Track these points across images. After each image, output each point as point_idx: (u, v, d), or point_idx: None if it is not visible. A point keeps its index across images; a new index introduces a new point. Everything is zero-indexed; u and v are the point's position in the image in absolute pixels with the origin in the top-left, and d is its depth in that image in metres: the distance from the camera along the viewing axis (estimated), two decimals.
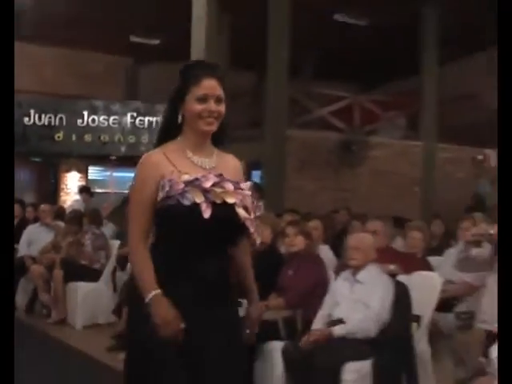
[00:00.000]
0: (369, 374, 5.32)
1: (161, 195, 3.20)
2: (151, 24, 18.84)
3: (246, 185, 3.41)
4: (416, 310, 5.73)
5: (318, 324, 5.84)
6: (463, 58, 18.64)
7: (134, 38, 20.88)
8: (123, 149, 20.35)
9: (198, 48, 12.92)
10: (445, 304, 6.57)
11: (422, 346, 5.77)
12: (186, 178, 3.19)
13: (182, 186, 3.15)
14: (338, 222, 11.65)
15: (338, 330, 5.45)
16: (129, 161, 19.53)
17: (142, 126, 20.40)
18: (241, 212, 3.26)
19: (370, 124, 18.43)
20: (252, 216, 3.33)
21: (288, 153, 14.79)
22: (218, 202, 3.19)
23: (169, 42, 19.33)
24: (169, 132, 3.43)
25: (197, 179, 3.19)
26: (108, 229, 11.91)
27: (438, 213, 12.02)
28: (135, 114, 20.47)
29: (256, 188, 6.30)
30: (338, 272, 6.43)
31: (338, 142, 17.04)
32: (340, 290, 5.78)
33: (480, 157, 7.80)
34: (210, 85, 3.31)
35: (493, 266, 5.72)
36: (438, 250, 8.34)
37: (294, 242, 6.68)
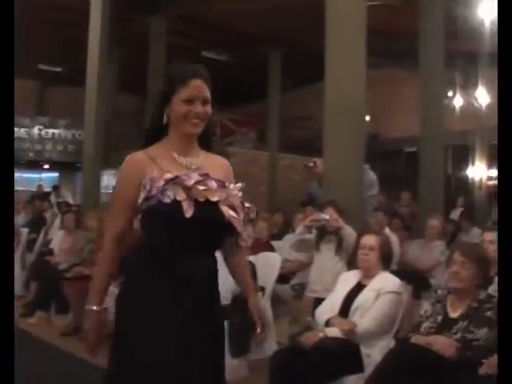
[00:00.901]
0: (225, 332, 5.38)
1: (142, 195, 2.55)
2: (55, 55, 18.58)
3: (236, 186, 2.77)
4: (261, 282, 5.82)
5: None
6: (301, 88, 19.07)
7: (41, 66, 20.61)
8: (31, 154, 19.84)
9: (92, 75, 12.69)
10: (283, 278, 6.74)
11: (266, 310, 5.85)
12: (168, 175, 2.54)
13: (162, 183, 2.51)
14: None
15: None
16: (35, 164, 19.45)
17: (46, 137, 20.11)
18: (225, 210, 2.60)
19: (228, 137, 18.63)
20: (240, 216, 2.68)
21: None
22: (201, 199, 2.53)
23: (69, 70, 19.29)
24: (154, 133, 2.75)
25: (178, 177, 2.54)
26: (20, 219, 11.60)
27: (280, 207, 12.25)
28: (42, 127, 20.18)
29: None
30: None
31: None
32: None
33: (311, 164, 7.99)
34: (197, 85, 2.66)
35: (318, 247, 5.97)
36: (279, 236, 8.54)
37: None
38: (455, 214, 12.01)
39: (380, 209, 8.15)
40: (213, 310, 2.66)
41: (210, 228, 2.58)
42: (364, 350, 4.16)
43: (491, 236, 4.90)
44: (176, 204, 2.48)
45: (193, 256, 2.57)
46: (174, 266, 2.55)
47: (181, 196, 2.50)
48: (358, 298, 4.36)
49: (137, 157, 2.67)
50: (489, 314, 3.73)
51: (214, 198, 2.57)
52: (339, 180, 6.65)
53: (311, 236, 6.00)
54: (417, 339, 3.78)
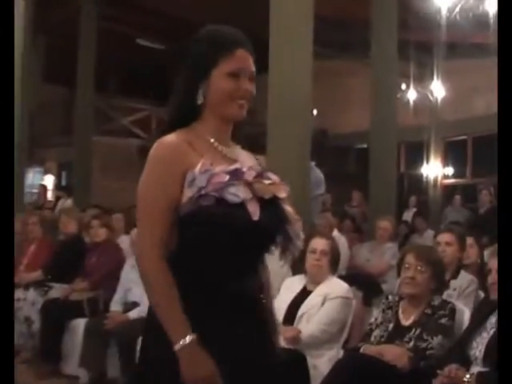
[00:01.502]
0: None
1: (189, 193, 2.07)
2: None
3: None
4: None
5: (114, 305, 5.88)
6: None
7: None
8: None
9: (15, 63, 12.43)
10: None
11: None
12: (224, 168, 2.11)
13: (226, 178, 2.07)
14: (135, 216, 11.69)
15: (132, 314, 5.53)
16: None
17: None
18: (289, 211, 2.25)
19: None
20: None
21: (94, 156, 14.97)
22: (267, 197, 2.16)
23: None
24: (182, 117, 2.28)
25: (238, 169, 2.13)
26: None
27: None
28: None
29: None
30: None
31: (138, 147, 17.01)
32: (130, 276, 5.80)
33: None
34: (243, 56, 2.25)
35: None
36: None
37: (98, 233, 6.61)
38: (408, 215, 12.21)
39: (328, 209, 8.23)
40: (267, 332, 2.29)
41: (270, 234, 2.22)
42: (311, 360, 4.18)
43: (447, 238, 4.98)
44: (239, 205, 2.07)
45: (248, 269, 2.19)
46: (227, 281, 2.11)
47: (246, 193, 2.09)
48: (304, 304, 4.38)
49: (174, 141, 2.18)
50: (443, 321, 3.79)
51: (282, 194, 2.23)
52: (284, 178, 6.63)
53: None
54: (367, 349, 3.82)
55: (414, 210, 12.69)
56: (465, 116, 14.98)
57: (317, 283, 4.49)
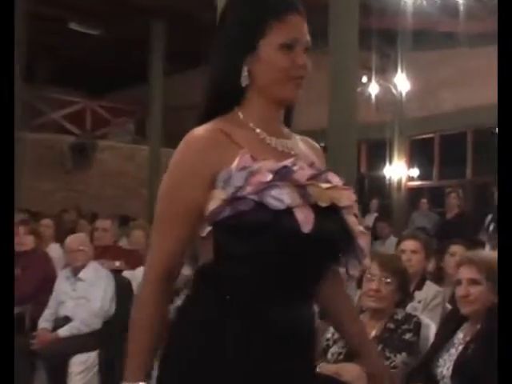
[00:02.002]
0: (95, 364, 5.31)
1: (222, 195, 1.80)
2: None
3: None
4: None
5: (44, 322, 5.75)
6: (187, 71, 19.01)
7: None
8: None
9: None
10: None
11: None
12: (269, 165, 1.84)
13: (269, 177, 1.79)
14: (68, 221, 11.62)
15: (63, 332, 5.43)
16: None
17: None
18: (353, 222, 1.96)
19: (101, 128, 18.39)
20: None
21: (22, 154, 14.66)
22: (323, 205, 1.86)
23: None
24: (222, 102, 2.00)
25: (285, 167, 1.84)
26: None
27: None
28: None
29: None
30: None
31: (71, 144, 16.84)
32: (63, 288, 5.73)
33: None
34: (299, 24, 1.97)
35: None
36: None
37: (24, 242, 6.50)
38: (369, 220, 12.29)
39: None
40: (312, 371, 2.09)
41: (326, 251, 1.94)
42: None
43: (412, 245, 5.02)
44: (286, 212, 1.79)
45: (297, 294, 1.93)
46: (262, 314, 1.87)
47: (294, 198, 1.80)
48: None
49: (207, 133, 1.92)
50: (407, 336, 3.80)
51: (343, 203, 1.93)
52: None
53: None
54: (323, 367, 3.81)
55: (376, 214, 12.78)
56: (432, 112, 15.14)
57: None
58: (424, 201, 13.34)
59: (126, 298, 5.50)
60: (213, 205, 1.81)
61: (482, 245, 7.50)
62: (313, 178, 1.88)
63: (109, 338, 5.34)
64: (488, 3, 7.93)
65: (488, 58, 14.70)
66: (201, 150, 1.88)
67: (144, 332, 1.89)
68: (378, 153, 16.89)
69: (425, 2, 10.66)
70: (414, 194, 16.09)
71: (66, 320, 5.56)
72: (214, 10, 7.09)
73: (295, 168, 1.85)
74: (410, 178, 16.81)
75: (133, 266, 6.36)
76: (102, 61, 18.62)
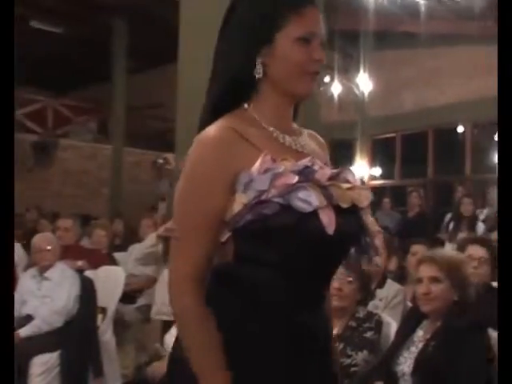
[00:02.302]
0: (56, 365, 5.27)
1: (243, 199, 1.74)
2: None
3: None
4: (102, 302, 5.74)
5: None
6: (150, 70, 18.95)
7: None
8: None
9: None
10: (128, 296, 6.70)
11: (107, 336, 5.78)
12: (291, 166, 1.78)
13: (295, 178, 1.73)
14: (29, 220, 11.55)
15: (24, 332, 5.35)
16: None
17: None
18: (371, 222, 1.93)
19: (63, 127, 18.25)
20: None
21: None
22: (345, 206, 1.81)
23: None
24: (232, 97, 1.92)
25: (307, 167, 1.78)
26: None
27: (121, 212, 12.20)
28: None
29: None
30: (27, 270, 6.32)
31: (32, 142, 16.68)
32: (27, 287, 5.68)
33: (161, 160, 8.07)
34: (316, 17, 1.91)
35: (167, 260, 5.99)
36: (124, 247, 8.49)
37: None
38: None
39: None
40: (332, 370, 2.01)
41: (343, 251, 1.93)
42: None
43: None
44: (311, 214, 1.73)
45: (316, 298, 1.90)
46: (289, 318, 1.83)
47: (320, 200, 1.74)
48: None
49: (220, 134, 1.82)
50: (369, 334, 3.83)
51: (363, 203, 1.89)
52: None
53: (159, 247, 6.02)
54: None
55: None
56: (394, 112, 15.25)
57: None
58: (386, 200, 13.41)
59: (88, 298, 5.48)
60: (234, 210, 1.75)
61: (442, 243, 7.58)
62: (332, 178, 1.83)
63: (70, 339, 5.30)
64: (449, 4, 8.01)
65: (449, 58, 14.88)
66: (217, 152, 1.79)
67: (204, 344, 1.79)
68: (341, 152, 16.93)
69: (386, 2, 10.72)
70: (377, 193, 16.10)
71: (28, 319, 5.47)
72: (176, 9, 7.06)
73: (316, 167, 1.80)
74: (373, 177, 16.88)
75: (95, 266, 6.33)
76: (65, 59, 18.48)
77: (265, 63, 1.88)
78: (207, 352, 1.78)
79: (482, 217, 8.94)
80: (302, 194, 1.71)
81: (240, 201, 1.74)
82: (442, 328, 3.47)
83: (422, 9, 7.96)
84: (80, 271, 5.98)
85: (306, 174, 1.76)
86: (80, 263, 6.42)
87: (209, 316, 1.79)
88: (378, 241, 1.96)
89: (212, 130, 1.83)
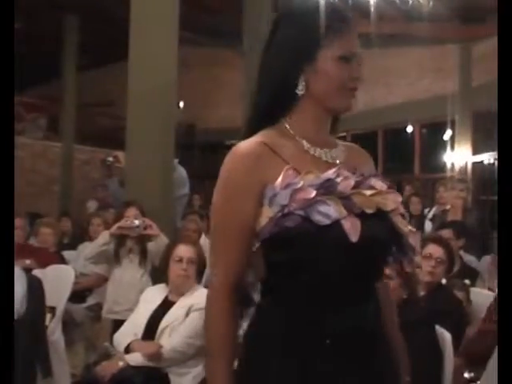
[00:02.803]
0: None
1: (269, 213, 1.82)
2: None
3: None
4: (51, 301, 5.68)
5: None
6: (101, 67, 18.82)
7: None
8: None
9: None
10: (78, 295, 6.64)
11: (56, 336, 5.72)
12: (312, 179, 1.84)
13: (313, 193, 1.80)
14: None
15: None
16: None
17: None
18: (401, 223, 1.95)
19: (17, 124, 18.02)
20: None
21: None
22: (370, 211, 1.86)
23: None
24: (273, 112, 2.01)
25: (328, 180, 1.84)
26: None
27: (70, 211, 12.15)
28: None
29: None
30: None
31: None
32: None
33: (110, 158, 8.02)
34: (354, 36, 2.01)
35: (119, 259, 5.97)
36: (73, 245, 8.42)
37: None
38: None
39: (196, 212, 8.25)
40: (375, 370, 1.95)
41: (375, 255, 1.94)
42: (174, 379, 4.17)
43: None
44: (333, 224, 1.79)
45: (352, 302, 1.90)
46: (324, 319, 1.86)
47: (339, 211, 1.80)
48: (166, 316, 4.37)
49: (252, 148, 1.92)
50: None
51: (389, 207, 1.92)
52: (144, 177, 6.64)
53: (111, 245, 5.97)
54: None
55: None
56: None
57: (181, 294, 4.48)
58: None
59: (36, 297, 5.42)
60: (261, 222, 1.84)
61: None
62: (356, 186, 1.88)
63: (17, 339, 5.22)
64: (399, 5, 8.09)
65: (398, 59, 15.02)
66: (246, 165, 1.88)
67: (225, 347, 1.93)
68: None
69: (336, 3, 10.81)
70: None
71: None
72: (127, 6, 7.01)
73: (339, 180, 1.85)
74: None
75: (43, 265, 6.25)
76: (16, 55, 18.25)
77: (307, 80, 1.96)
78: (219, 359, 1.92)
79: (429, 215, 9.04)
80: (320, 208, 1.78)
81: (266, 214, 1.83)
82: None
83: (372, 9, 8.01)
84: (28, 270, 5.90)
85: (327, 187, 1.82)
86: (28, 262, 6.33)
87: (232, 322, 1.94)
88: (414, 241, 1.99)
89: (244, 144, 1.93)
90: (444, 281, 4.98)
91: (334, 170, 1.88)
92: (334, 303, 1.86)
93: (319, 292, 1.84)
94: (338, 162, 1.99)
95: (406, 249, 1.98)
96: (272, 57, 2.04)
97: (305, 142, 1.98)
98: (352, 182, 1.87)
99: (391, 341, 2.09)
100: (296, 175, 1.85)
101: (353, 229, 1.79)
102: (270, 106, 2.00)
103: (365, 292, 1.95)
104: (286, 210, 1.79)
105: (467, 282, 5.43)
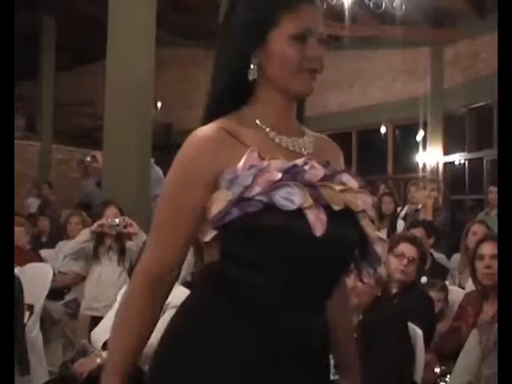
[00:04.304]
0: None
1: (228, 196, 1.66)
2: None
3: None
4: (29, 299, 5.65)
5: None
6: (78, 67, 18.74)
7: None
8: None
9: None
10: (55, 293, 6.61)
11: (34, 333, 5.69)
12: (279, 165, 1.68)
13: (278, 175, 1.64)
14: None
15: None
16: None
17: None
18: (370, 227, 1.80)
19: None
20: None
21: None
22: (337, 208, 1.70)
23: None
24: (228, 99, 1.82)
25: (295, 166, 1.69)
26: None
27: (44, 210, 12.13)
28: None
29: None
30: None
31: None
32: None
33: (88, 158, 8.02)
34: (312, 13, 1.79)
35: (98, 256, 5.98)
36: (50, 244, 8.41)
37: None
38: None
39: None
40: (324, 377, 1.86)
41: (339, 257, 1.76)
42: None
43: None
44: (296, 214, 1.63)
45: (306, 306, 1.74)
46: (275, 323, 1.69)
47: (305, 199, 1.64)
48: None
49: (211, 133, 1.74)
50: None
51: (359, 207, 1.76)
52: (121, 177, 6.64)
53: (90, 243, 6.00)
54: None
55: None
56: (319, 113, 15.33)
57: None
58: None
59: (15, 295, 5.39)
60: (218, 207, 1.66)
61: None
62: (326, 179, 1.71)
63: None
64: (372, 9, 8.13)
65: (371, 61, 15.08)
66: (204, 149, 1.71)
67: (127, 339, 1.78)
68: None
69: None
70: None
71: None
72: (105, 7, 7.00)
73: (306, 167, 1.69)
74: None
75: (21, 263, 6.22)
76: None
77: (260, 64, 1.78)
78: (122, 349, 1.79)
79: (402, 214, 9.08)
80: (284, 192, 1.62)
81: (224, 198, 1.66)
82: (363, 321, 3.51)
83: (346, 13, 8.05)
84: None
85: (293, 173, 1.67)
86: None
87: (150, 319, 1.79)
88: (381, 249, 1.83)
89: (203, 129, 1.76)
90: (424, 280, 5.03)
91: (302, 158, 1.73)
92: (286, 301, 1.69)
93: (271, 285, 1.67)
94: (305, 152, 1.83)
95: (370, 258, 1.83)
96: (224, 41, 1.87)
97: (268, 130, 1.81)
98: (321, 173, 1.71)
99: (343, 358, 2.01)
100: (260, 159, 1.69)
101: (318, 221, 1.63)
102: (226, 93, 1.82)
103: (322, 295, 1.80)
104: (247, 194, 1.63)
105: (447, 283, 5.49)
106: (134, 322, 1.77)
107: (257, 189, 1.62)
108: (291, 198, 1.61)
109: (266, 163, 1.66)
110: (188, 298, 1.85)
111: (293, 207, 1.60)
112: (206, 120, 1.81)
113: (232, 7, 1.88)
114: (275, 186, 1.62)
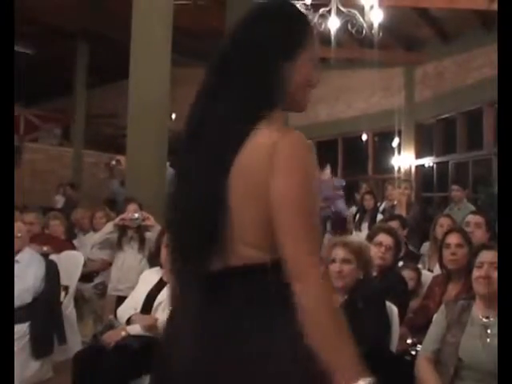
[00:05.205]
0: (26, 334, 5.16)
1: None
2: None
3: None
4: (64, 281, 5.66)
5: None
6: (106, 85, 18.76)
7: None
8: None
9: None
10: (86, 276, 6.62)
11: (69, 310, 5.70)
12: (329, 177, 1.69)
13: (340, 189, 1.56)
14: None
15: None
16: None
17: None
18: None
19: (32, 133, 17.89)
20: None
21: None
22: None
23: None
24: (268, 104, 1.70)
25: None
26: None
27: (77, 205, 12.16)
28: None
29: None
30: None
31: None
32: None
33: (113, 162, 8.03)
34: (317, 40, 1.81)
35: (121, 245, 6.00)
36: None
37: None
38: None
39: None
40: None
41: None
42: None
43: None
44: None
45: None
46: None
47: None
48: (160, 294, 4.36)
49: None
50: None
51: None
52: (141, 177, 6.65)
53: (114, 234, 6.02)
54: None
55: None
56: (310, 122, 15.36)
57: None
58: None
59: (53, 278, 5.39)
60: None
61: (350, 232, 7.68)
62: None
63: (38, 312, 5.20)
64: (355, 35, 8.16)
65: (354, 79, 15.06)
66: (314, 157, 1.68)
67: (346, 333, 1.62)
68: None
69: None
70: None
71: None
72: (128, 33, 7.00)
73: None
74: None
75: (58, 251, 6.24)
76: (35, 76, 18.14)
77: (286, 79, 1.70)
78: (346, 339, 1.60)
79: (380, 209, 9.08)
80: (342, 202, 1.41)
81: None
82: (348, 301, 3.50)
83: (332, 38, 8.08)
84: (45, 255, 5.87)
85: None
86: (45, 248, 6.30)
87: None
88: None
89: (298, 133, 1.66)
90: (400, 264, 5.03)
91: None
92: None
93: None
94: None
95: None
96: (250, 54, 1.72)
97: None
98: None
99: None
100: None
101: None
102: (271, 99, 1.69)
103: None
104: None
105: (420, 266, 5.47)
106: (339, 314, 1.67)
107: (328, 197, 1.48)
108: (343, 205, 1.48)
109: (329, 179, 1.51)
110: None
111: (348, 215, 1.46)
112: (255, 121, 1.66)
113: (255, 21, 1.80)
114: (338, 196, 1.46)
